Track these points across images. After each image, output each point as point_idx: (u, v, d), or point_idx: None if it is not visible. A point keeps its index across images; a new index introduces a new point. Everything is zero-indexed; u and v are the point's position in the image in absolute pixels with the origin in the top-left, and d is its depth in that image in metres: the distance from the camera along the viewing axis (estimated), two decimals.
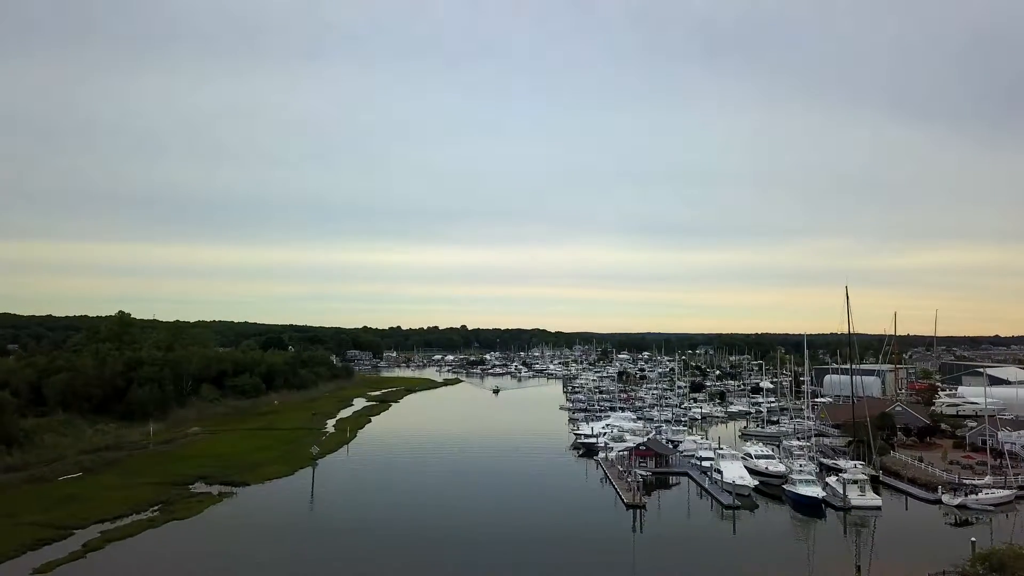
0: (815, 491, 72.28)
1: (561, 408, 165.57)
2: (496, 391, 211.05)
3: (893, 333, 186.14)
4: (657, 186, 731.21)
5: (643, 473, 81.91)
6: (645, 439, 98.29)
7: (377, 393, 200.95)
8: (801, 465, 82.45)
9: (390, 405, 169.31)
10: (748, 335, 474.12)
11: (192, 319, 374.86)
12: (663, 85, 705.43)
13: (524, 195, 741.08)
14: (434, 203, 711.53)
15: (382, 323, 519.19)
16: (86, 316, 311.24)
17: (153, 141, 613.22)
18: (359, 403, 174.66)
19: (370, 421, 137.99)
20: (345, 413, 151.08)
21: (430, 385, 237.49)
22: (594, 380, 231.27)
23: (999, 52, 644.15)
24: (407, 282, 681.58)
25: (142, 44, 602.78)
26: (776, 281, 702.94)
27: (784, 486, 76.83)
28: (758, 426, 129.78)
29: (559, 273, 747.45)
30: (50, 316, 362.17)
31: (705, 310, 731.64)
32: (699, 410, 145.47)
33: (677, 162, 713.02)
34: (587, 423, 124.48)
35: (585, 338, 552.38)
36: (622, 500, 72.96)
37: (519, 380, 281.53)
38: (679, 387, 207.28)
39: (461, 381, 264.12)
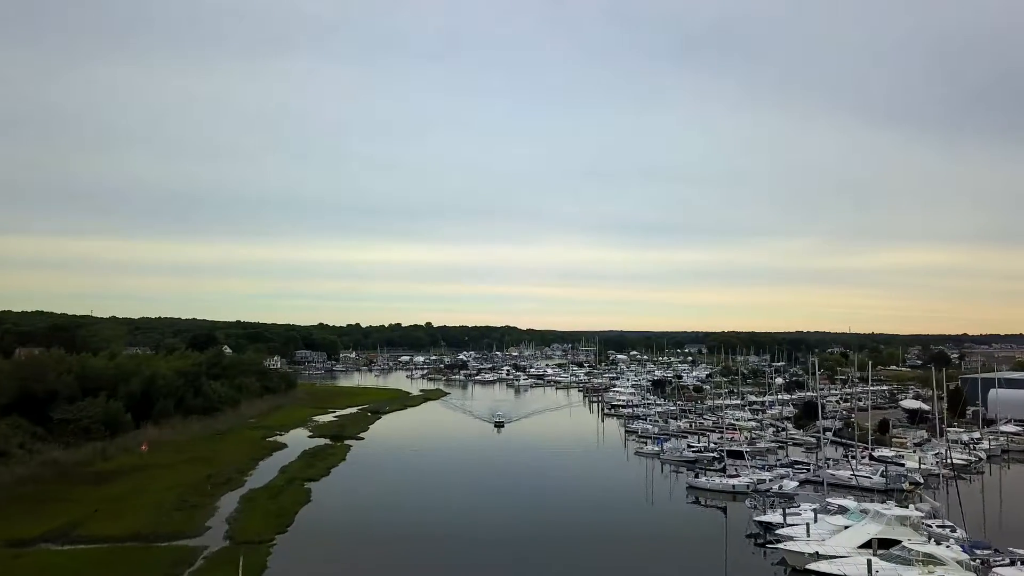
0: None
1: (638, 454, 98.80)
2: (498, 425, 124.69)
3: None
4: (627, 185, 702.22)
5: None
6: None
7: (328, 418, 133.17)
8: None
9: (348, 448, 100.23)
10: (728, 333, 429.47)
11: (137, 316, 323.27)
12: (635, 83, 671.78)
13: (493, 193, 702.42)
14: (401, 200, 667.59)
15: (340, 320, 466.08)
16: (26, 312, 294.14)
17: (111, 134, 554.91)
18: (297, 440, 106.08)
19: (309, 500, 67.89)
20: (265, 471, 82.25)
21: (405, 401, 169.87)
22: (638, 395, 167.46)
23: (964, 58, 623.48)
24: (372, 279, 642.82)
25: (102, 35, 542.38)
26: (745, 279, 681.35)
27: None
28: None
29: (525, 271, 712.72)
30: None
31: (677, 309, 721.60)
32: (915, 465, 79.89)
33: (646, 161, 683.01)
34: (773, 509, 58.53)
35: (558, 336, 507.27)
36: None
37: (517, 391, 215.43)
38: (762, 403, 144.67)
39: (443, 393, 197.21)
